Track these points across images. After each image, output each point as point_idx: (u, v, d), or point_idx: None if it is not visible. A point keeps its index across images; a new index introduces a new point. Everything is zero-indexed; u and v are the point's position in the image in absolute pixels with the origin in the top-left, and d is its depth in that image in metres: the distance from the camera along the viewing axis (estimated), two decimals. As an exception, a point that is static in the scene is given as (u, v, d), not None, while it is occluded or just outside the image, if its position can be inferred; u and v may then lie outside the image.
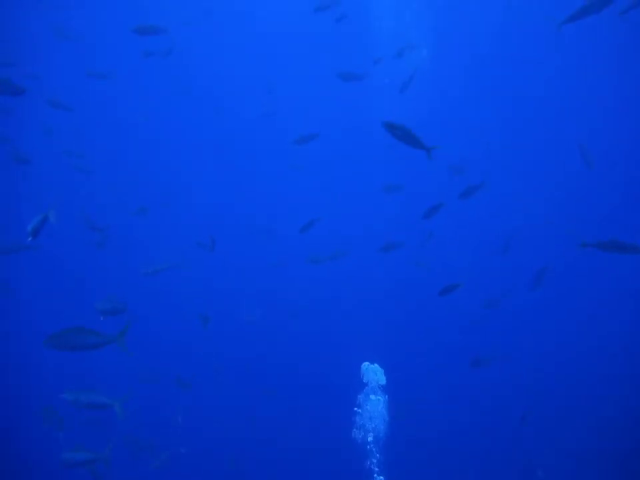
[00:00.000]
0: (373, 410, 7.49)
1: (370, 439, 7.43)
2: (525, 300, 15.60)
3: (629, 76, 18.26)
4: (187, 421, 14.35)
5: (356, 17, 15.69)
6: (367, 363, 7.65)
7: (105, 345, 5.51)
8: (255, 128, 20.04)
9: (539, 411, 13.62)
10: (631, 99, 18.51)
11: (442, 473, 12.92)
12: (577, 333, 16.45)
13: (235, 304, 16.72)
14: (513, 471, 13.06)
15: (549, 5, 18.09)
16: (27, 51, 17.26)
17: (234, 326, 15.99)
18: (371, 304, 16.63)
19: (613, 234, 6.75)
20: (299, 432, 13.97)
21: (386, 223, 16.96)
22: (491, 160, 18.11)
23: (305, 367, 15.39)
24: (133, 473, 11.55)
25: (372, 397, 7.51)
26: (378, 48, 13.77)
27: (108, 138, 19.36)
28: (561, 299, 17.06)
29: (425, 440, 13.46)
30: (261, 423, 14.40)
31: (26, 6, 17.16)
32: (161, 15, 18.45)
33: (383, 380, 7.59)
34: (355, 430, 7.56)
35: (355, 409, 7.57)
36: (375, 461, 7.37)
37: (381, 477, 7.25)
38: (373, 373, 7.65)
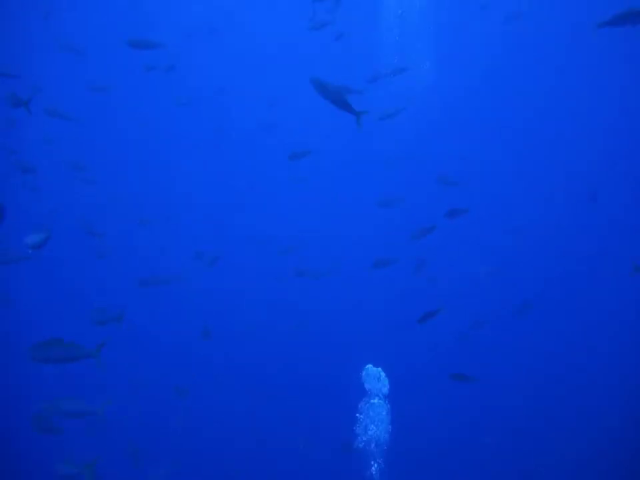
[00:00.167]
0: (374, 416, 7.46)
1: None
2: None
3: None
4: (187, 428, 14.32)
5: (358, 33, 16.00)
6: (370, 366, 7.60)
7: (82, 358, 5.47)
8: (256, 140, 20.22)
9: (539, 420, 13.67)
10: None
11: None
12: (575, 343, 16.47)
13: (235, 314, 16.74)
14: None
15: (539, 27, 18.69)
16: (29, 62, 17.51)
17: (234, 335, 15.99)
18: (368, 317, 16.64)
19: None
20: (297, 439, 13.95)
21: (382, 237, 17.04)
22: (486, 175, 18.38)
23: (305, 375, 15.39)
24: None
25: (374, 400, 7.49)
26: (377, 64, 13.87)
27: (109, 149, 19.53)
28: (560, 311, 17.12)
29: (423, 449, 13.40)
30: (261, 430, 14.36)
31: (29, 18, 17.46)
32: (165, 29, 18.80)
33: (385, 387, 7.54)
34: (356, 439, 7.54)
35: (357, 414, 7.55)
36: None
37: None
38: (376, 379, 7.58)
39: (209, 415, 14.50)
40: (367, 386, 7.65)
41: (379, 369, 7.66)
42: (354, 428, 7.59)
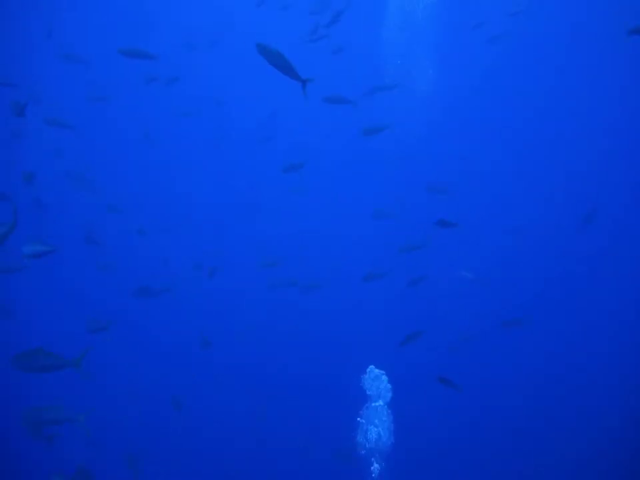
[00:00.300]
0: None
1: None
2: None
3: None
4: (184, 438, 14.31)
5: (356, 47, 16.23)
6: (372, 367, 7.59)
7: (62, 368, 5.54)
8: (256, 151, 20.38)
9: (539, 420, 13.68)
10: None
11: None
12: (575, 343, 16.52)
13: (232, 323, 16.76)
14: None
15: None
16: (31, 71, 17.71)
17: (230, 345, 16.00)
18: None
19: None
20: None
21: (378, 248, 17.12)
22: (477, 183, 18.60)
23: (301, 385, 15.40)
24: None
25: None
26: (374, 78, 14.06)
27: (110, 158, 19.67)
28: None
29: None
30: (257, 441, 14.36)
31: (30, 28, 17.69)
32: (166, 40, 19.08)
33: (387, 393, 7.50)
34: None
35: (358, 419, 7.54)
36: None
37: None
38: (377, 384, 7.56)
39: (205, 426, 14.49)
40: (368, 392, 7.67)
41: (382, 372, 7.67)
42: (354, 435, 7.60)
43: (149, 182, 19.97)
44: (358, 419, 7.55)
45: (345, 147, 19.18)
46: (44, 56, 17.50)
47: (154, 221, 17.17)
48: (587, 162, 19.55)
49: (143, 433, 12.93)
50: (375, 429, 7.40)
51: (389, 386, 7.77)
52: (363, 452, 7.40)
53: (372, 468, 7.36)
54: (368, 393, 7.73)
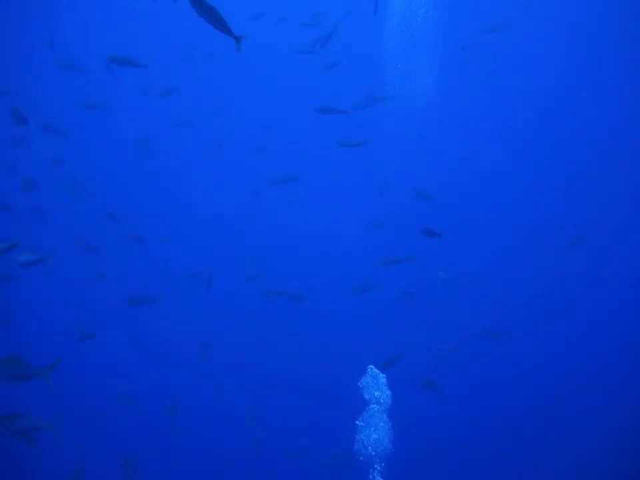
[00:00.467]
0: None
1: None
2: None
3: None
4: (180, 442, 14.32)
5: (350, 62, 16.57)
6: (371, 367, 7.63)
7: (31, 378, 5.54)
8: (253, 163, 20.56)
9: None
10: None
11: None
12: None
13: (225, 333, 16.83)
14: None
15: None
16: (27, 79, 17.86)
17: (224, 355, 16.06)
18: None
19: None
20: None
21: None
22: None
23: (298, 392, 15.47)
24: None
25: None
26: (365, 92, 14.25)
27: (108, 168, 19.77)
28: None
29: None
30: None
31: (28, 35, 17.87)
32: (166, 53, 19.35)
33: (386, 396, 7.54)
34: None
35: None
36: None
37: None
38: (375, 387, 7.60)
39: (198, 434, 14.51)
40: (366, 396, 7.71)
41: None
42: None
43: (145, 190, 20.09)
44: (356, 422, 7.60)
45: (337, 157, 19.41)
46: (42, 64, 17.66)
47: (151, 228, 17.25)
48: (572, 188, 19.99)
49: (137, 438, 12.90)
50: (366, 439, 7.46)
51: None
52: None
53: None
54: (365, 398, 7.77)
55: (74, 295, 17.42)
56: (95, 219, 16.51)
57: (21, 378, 5.46)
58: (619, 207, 19.35)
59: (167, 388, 14.63)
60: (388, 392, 7.63)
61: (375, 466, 7.42)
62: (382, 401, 7.55)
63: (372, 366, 7.71)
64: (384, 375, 7.66)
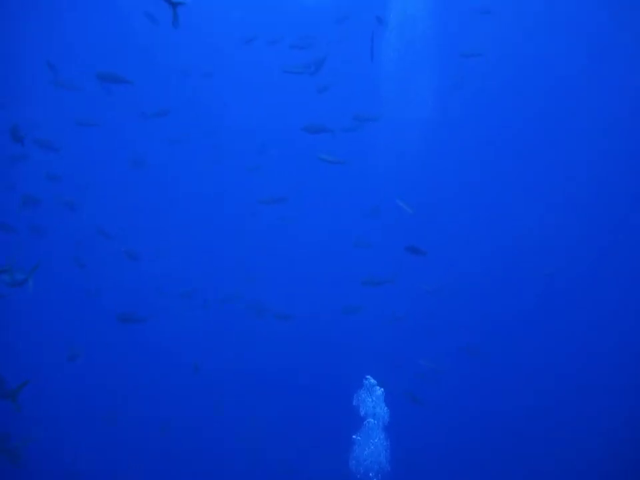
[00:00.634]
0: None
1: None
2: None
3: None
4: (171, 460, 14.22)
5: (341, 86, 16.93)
6: (369, 377, 7.62)
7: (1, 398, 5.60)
8: (247, 180, 20.71)
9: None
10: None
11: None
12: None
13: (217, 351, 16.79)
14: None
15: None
16: (22, 95, 18.01)
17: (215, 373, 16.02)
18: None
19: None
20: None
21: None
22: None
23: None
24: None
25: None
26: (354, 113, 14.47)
27: (104, 183, 19.86)
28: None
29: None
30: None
31: (23, 50, 18.05)
32: (164, 70, 19.64)
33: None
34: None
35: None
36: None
37: None
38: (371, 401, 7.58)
39: (191, 454, 14.43)
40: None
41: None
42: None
43: (139, 207, 20.17)
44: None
45: (330, 176, 19.65)
46: (39, 81, 17.81)
47: (144, 245, 17.28)
48: (560, 210, 20.32)
49: (128, 456, 12.82)
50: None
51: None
52: None
53: None
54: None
55: (65, 312, 17.37)
56: (88, 235, 16.56)
57: None
58: (610, 222, 19.59)
59: (159, 406, 14.56)
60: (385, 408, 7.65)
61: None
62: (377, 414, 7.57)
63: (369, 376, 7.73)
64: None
